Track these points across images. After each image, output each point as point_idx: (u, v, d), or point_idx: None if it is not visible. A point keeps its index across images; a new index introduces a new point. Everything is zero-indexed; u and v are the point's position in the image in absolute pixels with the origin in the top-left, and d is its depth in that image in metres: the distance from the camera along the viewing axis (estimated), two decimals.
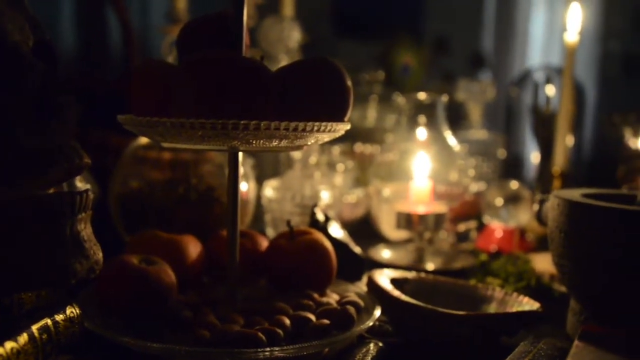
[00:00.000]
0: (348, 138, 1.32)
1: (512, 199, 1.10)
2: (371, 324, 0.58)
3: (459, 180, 1.07)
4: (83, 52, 1.60)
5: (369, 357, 0.56)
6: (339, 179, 1.05)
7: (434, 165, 1.02)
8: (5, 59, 0.44)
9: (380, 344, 0.58)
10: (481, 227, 1.16)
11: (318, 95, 0.56)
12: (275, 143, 0.55)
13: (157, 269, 0.59)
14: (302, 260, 0.66)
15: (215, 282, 0.70)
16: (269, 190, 0.97)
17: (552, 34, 3.61)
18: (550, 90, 1.59)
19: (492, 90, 1.52)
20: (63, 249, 0.43)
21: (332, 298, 0.64)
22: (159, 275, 0.58)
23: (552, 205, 0.68)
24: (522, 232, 1.11)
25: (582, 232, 0.62)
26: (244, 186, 0.88)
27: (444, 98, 1.07)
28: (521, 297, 0.68)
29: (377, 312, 0.61)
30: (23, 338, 0.44)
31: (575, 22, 1.12)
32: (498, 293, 0.70)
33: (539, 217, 0.83)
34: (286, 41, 1.20)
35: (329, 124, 0.55)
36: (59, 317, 0.49)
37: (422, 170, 1.01)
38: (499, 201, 1.10)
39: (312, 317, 0.58)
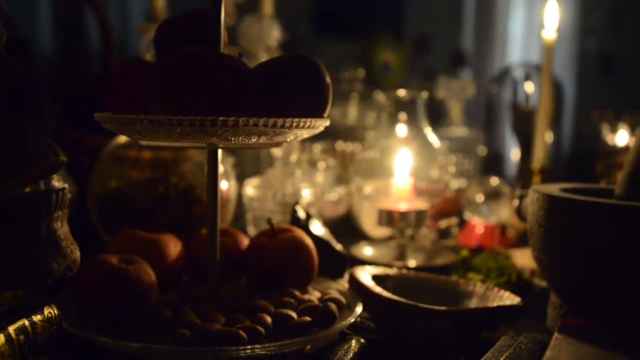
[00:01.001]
0: (329, 136, 1.32)
1: (493, 195, 1.11)
2: (353, 320, 0.58)
3: (439, 177, 1.07)
4: (61, 52, 1.58)
5: (351, 354, 0.55)
6: (320, 177, 1.05)
7: (414, 162, 1.02)
8: None
9: (362, 341, 0.58)
10: (462, 223, 1.17)
11: (297, 91, 0.56)
12: (254, 140, 0.55)
13: (136, 269, 0.58)
14: (283, 258, 0.65)
15: (196, 281, 0.70)
16: (250, 188, 0.97)
17: (531, 32, 3.64)
18: (529, 87, 1.60)
19: (472, 87, 1.53)
20: (39, 247, 0.43)
21: (314, 295, 0.64)
22: (139, 275, 0.58)
23: (531, 200, 0.68)
24: (502, 228, 1.12)
25: (560, 225, 0.63)
26: (224, 185, 0.87)
27: (424, 95, 1.08)
28: (502, 292, 0.68)
29: (359, 309, 0.61)
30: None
31: (552, 20, 1.13)
32: (479, 288, 0.70)
33: (519, 212, 0.84)
34: (266, 39, 1.20)
35: (308, 120, 0.54)
36: (37, 318, 0.48)
37: (403, 168, 1.01)
38: (480, 197, 1.10)
39: (294, 315, 0.58)
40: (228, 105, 0.52)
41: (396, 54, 2.29)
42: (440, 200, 1.10)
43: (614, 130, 1.32)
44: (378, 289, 0.65)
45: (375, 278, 0.71)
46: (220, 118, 0.50)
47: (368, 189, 1.08)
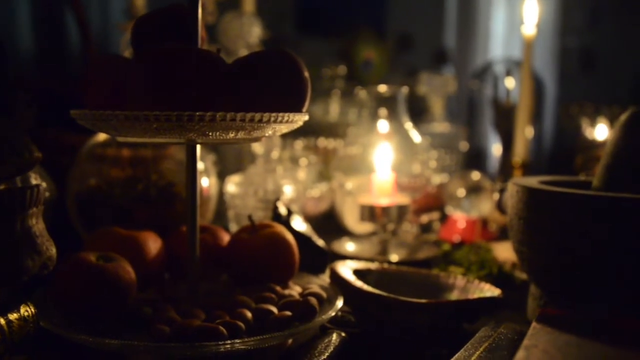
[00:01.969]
0: (311, 133, 1.32)
1: (474, 190, 1.11)
2: (333, 314, 0.58)
3: (421, 173, 1.08)
4: (40, 51, 1.56)
5: (332, 347, 0.56)
6: (302, 174, 1.05)
7: (396, 158, 1.02)
8: None
9: (343, 334, 0.58)
10: (444, 218, 1.17)
11: (275, 86, 0.56)
12: (232, 135, 0.54)
13: (115, 266, 0.58)
14: (264, 253, 0.65)
15: (176, 279, 0.69)
16: (232, 186, 0.96)
17: (512, 29, 3.67)
18: (510, 83, 1.61)
19: (454, 83, 1.54)
20: (14, 244, 0.42)
21: (295, 290, 0.64)
22: (117, 272, 0.57)
23: (510, 192, 0.69)
24: (484, 222, 1.12)
25: (539, 217, 0.63)
26: (205, 182, 0.87)
27: (404, 90, 1.08)
28: (482, 284, 0.69)
29: (339, 303, 0.61)
30: None
31: (532, 16, 1.14)
32: (460, 281, 0.71)
33: (499, 206, 0.84)
34: (246, 37, 1.19)
35: (286, 114, 0.54)
36: (13, 317, 0.48)
37: (384, 163, 1.01)
38: (461, 192, 1.11)
39: (274, 310, 0.58)
40: (205, 101, 0.51)
41: (378, 51, 2.29)
42: (422, 195, 1.11)
43: (593, 124, 1.33)
44: (359, 283, 0.66)
45: (357, 272, 0.71)
46: (197, 113, 0.50)
47: (350, 184, 1.08)
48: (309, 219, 1.00)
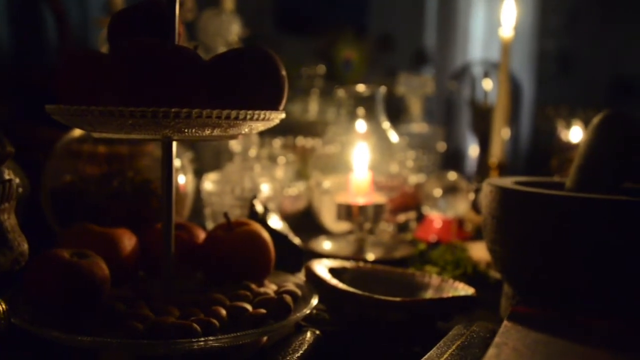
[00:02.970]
0: (290, 131, 1.32)
1: (451, 190, 1.12)
2: (308, 312, 0.59)
3: (398, 172, 1.09)
4: (17, 45, 1.55)
5: (306, 345, 0.56)
6: (280, 172, 1.05)
7: (373, 157, 1.03)
8: None
9: (317, 332, 0.59)
10: (421, 217, 1.18)
11: (251, 83, 0.56)
12: (208, 132, 0.54)
13: (89, 263, 0.57)
14: (239, 251, 0.65)
15: (151, 276, 0.69)
16: (209, 183, 0.96)
17: (491, 31, 3.70)
18: (487, 84, 1.63)
19: (432, 84, 1.55)
20: None
21: (270, 288, 0.64)
22: (91, 269, 0.57)
23: (485, 192, 0.70)
24: (460, 222, 1.14)
25: (511, 217, 0.64)
26: (181, 179, 0.86)
27: (382, 90, 1.09)
28: (457, 283, 0.69)
29: (314, 301, 0.61)
30: None
31: (510, 18, 1.15)
32: (435, 280, 0.71)
33: (475, 206, 0.85)
34: (225, 34, 1.19)
35: (262, 112, 0.54)
36: None
37: (361, 162, 1.02)
38: (438, 192, 1.12)
39: (249, 307, 0.58)
40: (181, 97, 0.51)
41: (358, 51, 2.30)
42: (399, 194, 1.11)
43: (568, 127, 1.35)
44: (334, 281, 0.66)
45: (332, 271, 0.71)
46: (173, 110, 0.50)
47: (327, 183, 1.08)
48: (286, 217, 1.00)
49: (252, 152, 0.98)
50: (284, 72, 0.58)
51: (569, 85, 3.70)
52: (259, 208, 0.81)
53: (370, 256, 0.96)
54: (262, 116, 0.54)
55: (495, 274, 0.87)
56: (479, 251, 0.96)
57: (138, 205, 0.79)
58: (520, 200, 0.63)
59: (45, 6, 1.46)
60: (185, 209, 0.88)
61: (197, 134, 0.55)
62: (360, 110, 1.08)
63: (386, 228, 1.09)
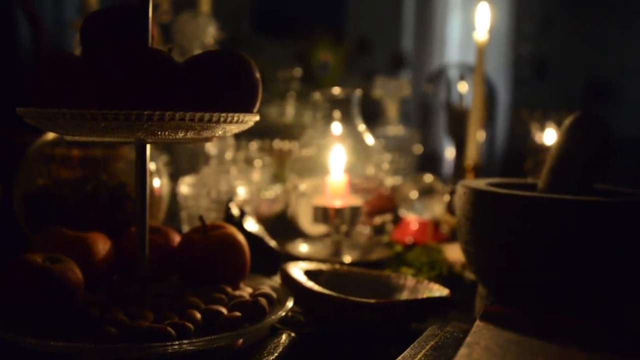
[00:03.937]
0: (266, 134, 1.32)
1: (427, 192, 1.13)
2: (283, 314, 0.59)
3: (374, 175, 1.09)
4: None
5: (281, 347, 0.56)
6: (256, 175, 1.05)
7: (349, 160, 1.03)
8: None
9: (293, 334, 0.59)
10: (397, 220, 1.19)
11: (225, 86, 0.56)
12: (181, 134, 0.54)
13: (62, 267, 0.57)
14: (214, 254, 0.65)
15: (126, 280, 0.68)
16: (185, 187, 0.96)
17: (468, 35, 3.73)
18: (463, 87, 1.64)
19: (408, 87, 1.56)
20: None
21: (246, 291, 0.64)
22: (64, 274, 0.56)
23: (459, 194, 0.70)
24: (436, 223, 1.14)
25: (484, 218, 0.65)
26: (156, 182, 0.86)
27: (358, 93, 1.09)
28: (432, 284, 0.70)
29: (290, 303, 0.61)
30: None
31: (484, 21, 1.16)
32: (410, 281, 0.72)
33: (450, 208, 0.86)
34: (202, 37, 1.19)
35: (236, 114, 0.54)
36: None
37: (337, 165, 1.02)
38: (414, 194, 1.13)
39: (224, 310, 0.58)
40: (154, 99, 0.51)
41: (335, 54, 2.31)
42: (375, 197, 1.12)
43: (542, 129, 1.37)
44: (309, 284, 0.66)
45: (308, 273, 0.72)
46: (146, 112, 0.50)
47: (304, 186, 1.08)
48: (263, 220, 1.00)
49: (229, 155, 0.98)
50: (258, 75, 0.58)
51: (544, 88, 3.75)
52: (235, 211, 0.81)
53: (347, 258, 0.96)
54: (235, 118, 0.54)
55: (470, 275, 0.88)
56: (455, 253, 0.97)
57: (113, 209, 0.78)
58: (490, 201, 0.64)
59: (19, 8, 1.44)
60: (160, 213, 0.87)
61: (170, 137, 0.55)
62: (337, 113, 1.08)
63: (363, 230, 1.09)
